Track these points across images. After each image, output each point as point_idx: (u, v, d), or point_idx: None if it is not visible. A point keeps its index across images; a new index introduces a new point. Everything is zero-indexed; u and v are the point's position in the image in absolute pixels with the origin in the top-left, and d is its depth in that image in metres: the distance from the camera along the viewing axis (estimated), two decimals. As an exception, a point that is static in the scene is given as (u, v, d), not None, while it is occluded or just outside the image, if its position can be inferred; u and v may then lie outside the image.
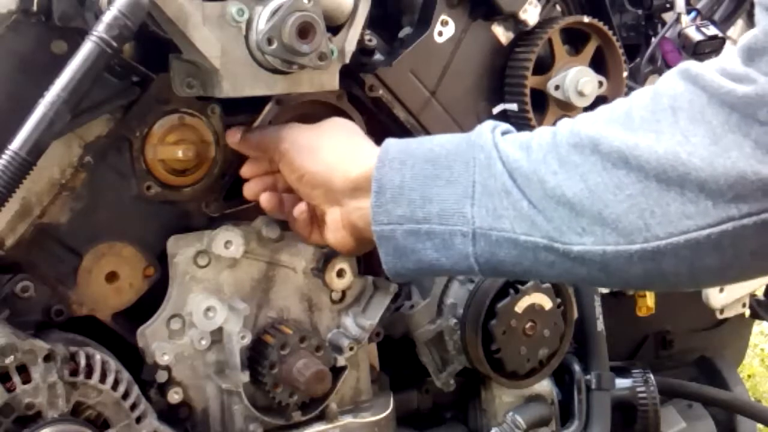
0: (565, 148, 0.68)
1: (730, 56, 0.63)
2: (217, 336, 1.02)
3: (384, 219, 0.79)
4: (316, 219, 0.94)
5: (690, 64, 0.65)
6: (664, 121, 0.63)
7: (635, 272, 0.66)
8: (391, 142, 0.82)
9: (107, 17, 0.78)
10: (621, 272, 0.67)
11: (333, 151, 0.88)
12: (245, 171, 0.99)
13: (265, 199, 0.96)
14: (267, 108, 0.99)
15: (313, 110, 1.03)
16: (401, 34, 1.18)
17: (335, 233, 0.89)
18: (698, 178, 0.60)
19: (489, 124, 0.78)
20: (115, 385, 0.90)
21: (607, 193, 0.65)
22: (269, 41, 0.85)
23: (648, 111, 0.65)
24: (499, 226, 0.72)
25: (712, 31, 1.37)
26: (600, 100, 1.22)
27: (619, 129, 0.65)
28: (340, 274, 1.08)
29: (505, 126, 0.78)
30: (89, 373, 0.89)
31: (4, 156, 0.77)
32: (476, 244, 0.74)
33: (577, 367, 1.29)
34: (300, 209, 0.93)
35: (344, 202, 0.86)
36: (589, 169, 0.66)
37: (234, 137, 0.98)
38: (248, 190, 0.98)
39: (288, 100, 1.00)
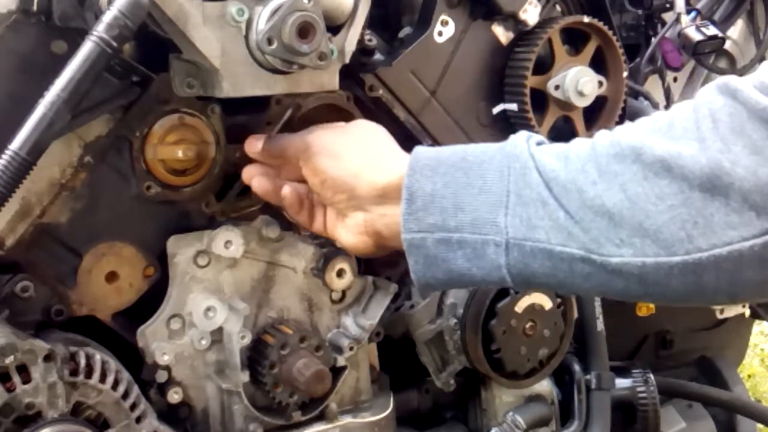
0: (605, 158, 0.67)
1: None
2: (217, 336, 1.02)
3: (414, 227, 0.77)
4: (310, 204, 0.93)
5: (729, 79, 0.64)
6: (705, 129, 0.62)
7: (674, 285, 0.65)
8: (420, 150, 0.81)
9: (107, 17, 0.78)
10: (660, 285, 0.65)
11: (358, 156, 0.86)
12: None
13: (257, 183, 0.95)
14: (286, 116, 0.99)
15: (326, 114, 1.03)
16: (401, 34, 1.18)
17: (355, 237, 0.88)
18: (742, 188, 0.59)
19: (523, 134, 0.76)
20: (115, 385, 0.91)
21: (648, 204, 0.64)
22: (269, 41, 0.85)
23: (690, 121, 0.64)
24: (534, 237, 0.70)
25: (712, 31, 1.37)
26: (600, 100, 1.22)
27: (662, 138, 0.64)
28: (340, 274, 1.08)
29: (539, 137, 0.76)
30: (89, 373, 0.89)
31: (4, 156, 0.77)
32: (509, 254, 0.72)
33: (577, 367, 1.29)
34: (285, 191, 0.92)
35: (369, 209, 0.85)
36: (630, 179, 0.65)
37: (254, 147, 0.96)
38: (246, 173, 0.97)
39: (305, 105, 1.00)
